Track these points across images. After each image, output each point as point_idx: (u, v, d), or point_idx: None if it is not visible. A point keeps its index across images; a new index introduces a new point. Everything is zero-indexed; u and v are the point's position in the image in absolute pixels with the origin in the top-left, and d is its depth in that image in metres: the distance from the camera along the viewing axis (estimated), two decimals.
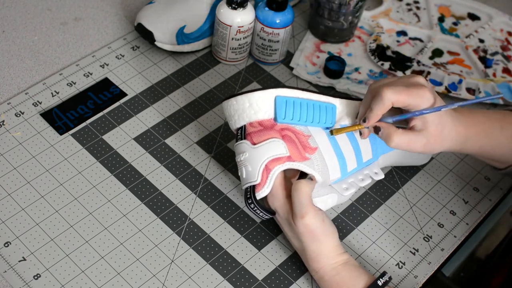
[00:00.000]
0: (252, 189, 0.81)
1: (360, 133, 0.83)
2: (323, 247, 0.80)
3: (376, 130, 0.81)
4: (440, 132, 0.81)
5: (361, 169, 0.87)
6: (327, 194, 0.84)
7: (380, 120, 0.81)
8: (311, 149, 0.83)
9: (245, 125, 0.83)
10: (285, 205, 0.82)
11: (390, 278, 0.80)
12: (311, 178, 0.83)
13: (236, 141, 0.84)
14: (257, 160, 0.81)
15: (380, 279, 0.79)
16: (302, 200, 0.79)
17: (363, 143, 0.86)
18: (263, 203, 0.85)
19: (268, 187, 0.81)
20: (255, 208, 0.82)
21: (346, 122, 0.86)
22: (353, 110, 0.87)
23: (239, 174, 0.84)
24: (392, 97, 0.78)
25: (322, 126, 0.85)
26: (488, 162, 0.91)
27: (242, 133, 0.83)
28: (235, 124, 0.85)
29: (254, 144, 0.81)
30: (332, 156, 0.84)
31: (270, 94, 0.83)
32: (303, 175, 0.85)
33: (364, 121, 0.81)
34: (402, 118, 0.81)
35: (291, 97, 0.83)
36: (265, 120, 0.83)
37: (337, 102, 0.87)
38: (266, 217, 0.83)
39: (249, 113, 0.83)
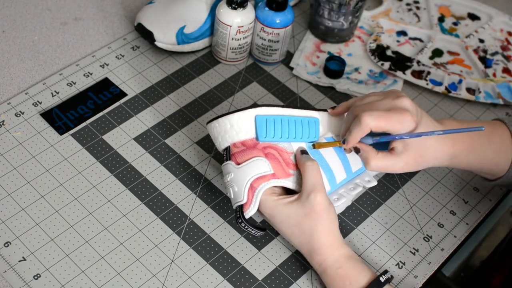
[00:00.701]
0: (241, 208, 0.82)
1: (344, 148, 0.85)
2: (326, 232, 0.80)
3: (356, 150, 0.82)
4: (421, 154, 0.81)
5: (352, 179, 0.87)
6: None
7: (361, 140, 0.82)
8: (295, 165, 0.84)
9: (229, 146, 0.84)
10: (278, 201, 0.82)
11: (391, 276, 0.80)
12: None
13: (223, 163, 0.85)
14: (242, 179, 0.81)
15: (383, 275, 0.79)
16: (318, 179, 0.80)
17: (351, 153, 0.86)
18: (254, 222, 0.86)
19: (254, 206, 0.81)
20: (246, 227, 0.82)
21: (330, 135, 0.87)
22: (338, 122, 0.88)
23: (228, 195, 0.85)
24: (371, 123, 0.79)
25: (305, 141, 0.86)
26: (478, 174, 0.91)
27: (227, 154, 0.84)
28: (220, 145, 0.86)
29: (238, 164, 0.82)
30: None
31: (250, 114, 0.84)
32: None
33: (344, 142, 0.82)
34: (382, 140, 0.82)
35: (271, 115, 0.84)
36: (247, 140, 0.84)
37: (319, 115, 0.87)
38: (258, 234, 0.84)
39: (231, 134, 0.84)
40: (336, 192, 0.85)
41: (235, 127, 0.84)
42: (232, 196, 0.83)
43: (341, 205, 0.86)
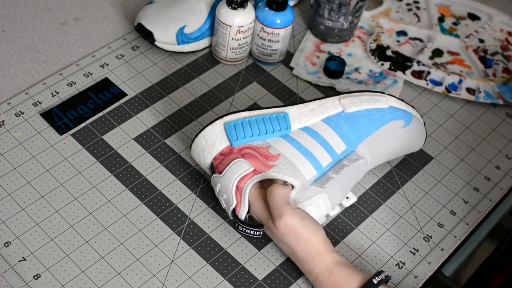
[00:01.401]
0: (235, 213, 0.84)
1: None
2: (311, 245, 0.80)
3: None
4: None
5: (340, 161, 0.88)
6: (314, 196, 0.85)
7: None
8: (274, 157, 0.85)
9: (212, 162, 0.87)
10: (264, 211, 0.83)
11: (387, 276, 0.79)
12: (286, 184, 0.84)
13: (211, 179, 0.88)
14: (227, 185, 0.83)
15: (376, 277, 0.78)
16: (277, 202, 0.81)
17: (330, 136, 0.87)
18: (252, 222, 0.87)
19: (245, 205, 0.83)
20: (244, 229, 0.84)
21: (307, 123, 0.88)
22: (307, 111, 0.89)
23: (222, 206, 0.86)
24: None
25: (279, 135, 0.87)
26: None
27: (212, 169, 0.87)
28: (205, 164, 0.88)
29: (221, 173, 0.84)
30: (299, 157, 0.86)
31: (218, 124, 0.87)
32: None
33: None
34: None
35: (238, 119, 0.87)
36: (223, 149, 0.86)
37: (288, 109, 0.89)
38: (258, 233, 0.84)
39: (208, 149, 0.87)
40: (324, 176, 0.86)
41: (209, 141, 0.87)
42: (224, 205, 0.85)
43: (332, 189, 0.86)
